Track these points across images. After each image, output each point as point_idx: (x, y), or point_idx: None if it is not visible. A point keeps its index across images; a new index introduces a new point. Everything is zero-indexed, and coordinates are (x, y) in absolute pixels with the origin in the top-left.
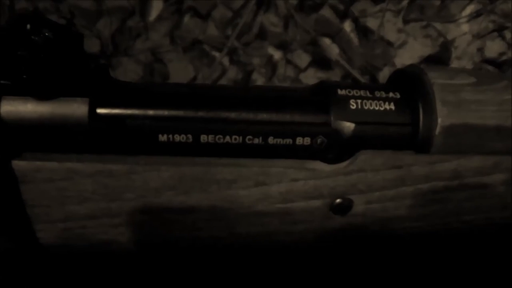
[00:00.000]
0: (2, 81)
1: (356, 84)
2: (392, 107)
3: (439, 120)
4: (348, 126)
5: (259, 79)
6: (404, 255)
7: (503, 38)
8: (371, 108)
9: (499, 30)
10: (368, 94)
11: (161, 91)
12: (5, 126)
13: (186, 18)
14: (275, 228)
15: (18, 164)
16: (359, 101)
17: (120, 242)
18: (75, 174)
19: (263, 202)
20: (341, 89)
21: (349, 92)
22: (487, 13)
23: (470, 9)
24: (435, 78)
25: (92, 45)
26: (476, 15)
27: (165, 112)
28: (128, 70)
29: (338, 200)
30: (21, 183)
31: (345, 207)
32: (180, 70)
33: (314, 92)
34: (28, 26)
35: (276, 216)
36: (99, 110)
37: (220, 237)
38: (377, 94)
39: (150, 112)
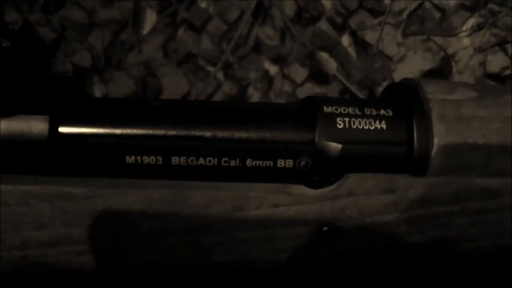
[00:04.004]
0: None
1: (344, 100)
2: (384, 125)
3: (436, 139)
4: (335, 146)
5: (254, 94)
6: (401, 284)
7: (505, 52)
8: (360, 127)
9: (502, 44)
10: (357, 112)
11: (130, 107)
12: None
13: (180, 31)
14: (256, 256)
15: None
16: (347, 119)
17: (84, 270)
18: (31, 198)
19: (241, 229)
20: (327, 106)
21: (336, 109)
22: (489, 27)
23: (471, 22)
24: (432, 93)
25: (83, 59)
26: (477, 28)
27: (133, 131)
28: (120, 84)
29: (325, 228)
30: None
31: (333, 235)
32: (174, 84)
33: (298, 109)
34: None
35: (256, 243)
36: (60, 129)
37: (194, 265)
38: (367, 111)
39: (117, 131)
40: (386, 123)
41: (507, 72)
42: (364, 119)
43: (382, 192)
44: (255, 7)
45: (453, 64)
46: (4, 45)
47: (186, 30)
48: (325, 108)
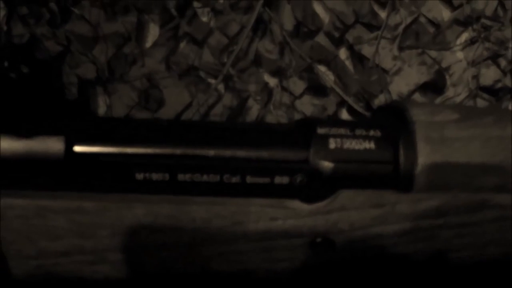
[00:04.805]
0: None
1: (337, 121)
2: (373, 145)
3: (420, 159)
4: (328, 165)
5: (254, 106)
6: None
7: (498, 65)
8: (351, 147)
9: (494, 58)
10: (349, 133)
11: (139, 128)
12: None
13: (182, 45)
14: (255, 266)
15: None
16: (338, 139)
17: (94, 278)
18: (47, 212)
19: (240, 241)
20: (321, 127)
21: (329, 130)
22: (482, 41)
23: (465, 36)
24: (417, 115)
25: (88, 71)
26: (471, 42)
27: (142, 150)
28: (123, 96)
29: (318, 239)
30: None
31: (326, 246)
32: (176, 96)
33: (294, 130)
34: (6, 63)
35: (255, 254)
36: (75, 148)
37: (196, 275)
38: (358, 132)
39: (127, 150)
40: (375, 144)
41: (500, 85)
42: (355, 140)
43: (372, 207)
44: (255, 21)
45: (447, 77)
46: (24, 72)
47: (188, 44)
48: (318, 129)
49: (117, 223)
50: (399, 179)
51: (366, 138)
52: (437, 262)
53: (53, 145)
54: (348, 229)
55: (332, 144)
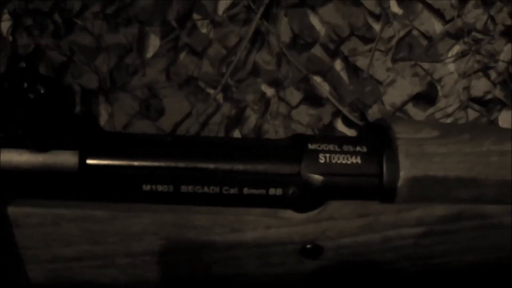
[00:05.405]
0: (0, 135)
1: (326, 137)
2: (359, 160)
3: (402, 172)
4: (317, 178)
5: (252, 115)
6: None
7: (488, 77)
8: (339, 161)
9: (484, 70)
10: (337, 148)
11: (145, 143)
12: (2, 175)
13: (182, 56)
14: (252, 271)
15: (12, 210)
16: (327, 155)
17: (103, 282)
18: (62, 220)
19: (238, 248)
20: (311, 143)
21: (319, 146)
22: (473, 54)
23: (456, 49)
24: (400, 132)
25: (90, 81)
26: (462, 55)
27: (149, 164)
28: (124, 105)
29: (308, 246)
30: (13, 227)
31: (315, 252)
32: (176, 106)
33: (287, 146)
34: (25, 84)
35: (251, 260)
36: (88, 161)
37: (197, 279)
38: (345, 148)
39: (135, 163)
40: (361, 158)
41: (490, 96)
42: (342, 155)
43: (358, 217)
44: (253, 33)
45: (439, 88)
46: (42, 92)
47: (187, 55)
48: (309, 145)
49: (125, 230)
50: (383, 191)
51: (353, 153)
52: (419, 267)
53: (68, 158)
54: (336, 236)
55: (321, 159)
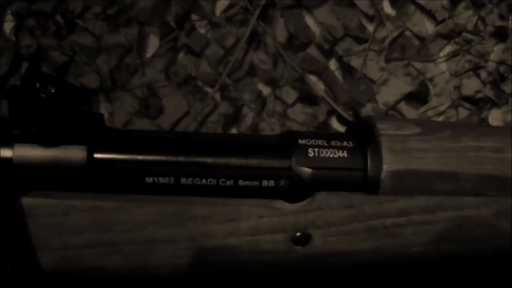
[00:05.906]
0: (15, 131)
1: (315, 133)
2: (345, 154)
3: (385, 166)
4: (307, 171)
5: (249, 114)
6: (362, 284)
7: (478, 76)
8: (327, 155)
9: (475, 69)
10: (325, 143)
11: (148, 139)
12: (16, 168)
13: (181, 55)
14: (245, 258)
15: (25, 201)
16: (316, 149)
17: (110, 268)
18: (72, 210)
19: (233, 236)
20: (301, 139)
21: (308, 141)
22: (464, 54)
23: (448, 49)
24: (384, 129)
25: (91, 80)
26: (453, 55)
27: (151, 158)
28: (124, 104)
29: (298, 234)
30: (27, 217)
31: (304, 240)
32: (174, 105)
33: (279, 141)
34: (38, 85)
35: (245, 247)
36: (95, 156)
37: (196, 265)
38: (333, 143)
39: (139, 158)
40: (348, 153)
41: (480, 95)
42: (330, 149)
43: (344, 207)
44: (249, 34)
45: (431, 87)
46: (52, 91)
47: (186, 55)
48: (299, 141)
49: (129, 220)
50: (367, 184)
51: (340, 148)
52: (400, 256)
53: (77, 153)
54: (323, 225)
55: (311, 153)
